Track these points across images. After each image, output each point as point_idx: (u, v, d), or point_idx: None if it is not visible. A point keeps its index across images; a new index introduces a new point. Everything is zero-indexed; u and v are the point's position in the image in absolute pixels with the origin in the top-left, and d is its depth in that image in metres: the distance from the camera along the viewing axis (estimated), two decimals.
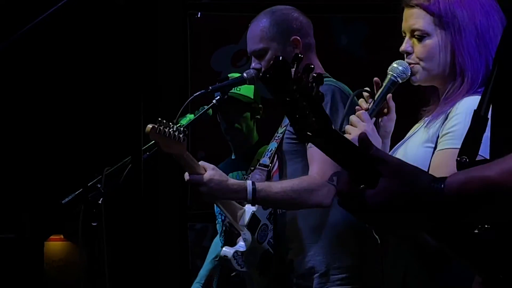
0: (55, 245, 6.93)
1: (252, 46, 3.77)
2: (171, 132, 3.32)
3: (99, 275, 3.29)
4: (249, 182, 3.49)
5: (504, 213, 1.58)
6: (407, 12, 2.80)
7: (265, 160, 3.75)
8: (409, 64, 2.80)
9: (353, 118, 2.82)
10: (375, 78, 2.88)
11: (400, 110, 2.91)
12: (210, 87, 3.56)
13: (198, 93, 3.56)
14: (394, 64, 2.87)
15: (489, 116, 1.80)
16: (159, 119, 3.31)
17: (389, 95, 2.86)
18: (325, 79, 3.78)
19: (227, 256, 3.67)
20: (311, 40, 3.78)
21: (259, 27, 3.76)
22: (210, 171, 3.45)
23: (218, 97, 3.61)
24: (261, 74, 1.54)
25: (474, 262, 1.69)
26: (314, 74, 1.58)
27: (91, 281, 3.40)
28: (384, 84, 2.86)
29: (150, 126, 3.26)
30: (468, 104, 2.61)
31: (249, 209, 3.68)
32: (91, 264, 3.37)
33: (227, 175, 4.42)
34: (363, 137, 1.61)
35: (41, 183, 5.93)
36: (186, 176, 3.45)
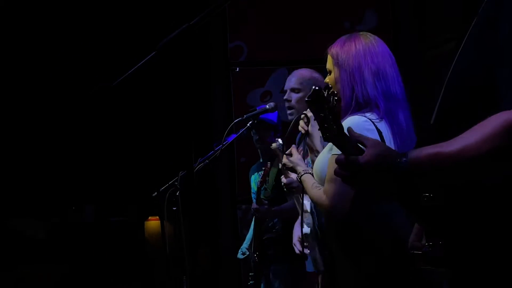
0: (153, 223, 6.94)
1: (292, 84, 3.77)
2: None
3: (180, 242, 3.27)
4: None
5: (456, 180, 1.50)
6: (328, 57, 2.68)
7: None
8: None
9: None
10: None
11: None
12: (245, 116, 3.58)
13: (237, 119, 3.58)
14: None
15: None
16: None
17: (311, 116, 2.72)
18: None
19: (307, 233, 3.20)
20: None
21: (300, 75, 3.77)
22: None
23: (251, 121, 3.63)
24: (306, 99, 1.53)
25: (420, 217, 1.60)
26: (336, 98, 1.62)
27: (176, 247, 3.39)
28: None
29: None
30: (346, 121, 2.48)
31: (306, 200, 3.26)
32: (175, 235, 3.41)
33: (257, 172, 4.43)
34: (350, 132, 1.58)
35: (142, 181, 5.94)
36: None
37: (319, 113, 1.55)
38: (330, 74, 2.64)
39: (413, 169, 1.47)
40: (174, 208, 3.42)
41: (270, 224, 4.23)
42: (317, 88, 1.57)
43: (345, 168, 1.54)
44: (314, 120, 1.60)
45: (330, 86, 1.58)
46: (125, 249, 6.28)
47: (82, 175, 6.32)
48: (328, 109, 1.54)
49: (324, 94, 1.55)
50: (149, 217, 6.53)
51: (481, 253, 1.48)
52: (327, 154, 2.53)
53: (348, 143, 1.55)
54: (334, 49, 2.59)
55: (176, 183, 3.45)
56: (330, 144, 2.56)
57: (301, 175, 2.71)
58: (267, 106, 3.60)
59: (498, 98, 1.44)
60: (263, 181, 4.09)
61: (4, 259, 6.31)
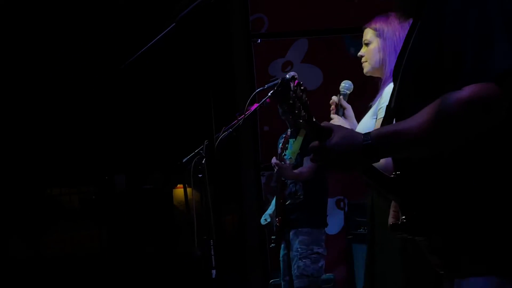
0: (181, 191, 6.98)
1: None
2: None
3: (206, 206, 3.24)
4: None
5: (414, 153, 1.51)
6: (364, 32, 2.95)
7: None
8: (362, 62, 2.92)
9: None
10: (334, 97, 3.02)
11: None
12: (266, 85, 3.51)
13: (259, 89, 3.51)
14: (342, 84, 3.07)
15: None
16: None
17: (341, 98, 2.99)
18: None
19: None
20: None
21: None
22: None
23: (272, 91, 3.56)
24: (275, 88, 1.61)
25: (390, 193, 1.61)
26: (302, 88, 1.61)
27: (202, 212, 3.39)
28: (340, 96, 3.01)
29: None
30: (390, 88, 2.61)
31: None
32: (201, 202, 3.36)
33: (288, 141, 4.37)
34: (324, 124, 1.60)
35: (169, 151, 5.97)
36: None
37: (288, 101, 1.59)
38: (368, 46, 2.90)
39: (376, 147, 1.49)
40: (200, 176, 3.38)
41: (293, 190, 4.19)
42: (285, 79, 1.60)
43: (317, 152, 1.56)
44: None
45: (295, 77, 1.70)
46: (155, 215, 6.35)
47: (113, 147, 6.36)
48: (296, 98, 1.58)
49: (291, 84, 1.59)
50: (178, 185, 6.57)
51: (450, 218, 1.49)
52: (370, 119, 2.73)
53: (319, 129, 1.58)
54: (378, 24, 2.86)
55: (202, 151, 3.38)
56: (371, 110, 2.80)
57: None
58: (288, 76, 3.53)
59: (446, 81, 1.46)
60: (283, 148, 4.05)
61: (44, 224, 6.40)
